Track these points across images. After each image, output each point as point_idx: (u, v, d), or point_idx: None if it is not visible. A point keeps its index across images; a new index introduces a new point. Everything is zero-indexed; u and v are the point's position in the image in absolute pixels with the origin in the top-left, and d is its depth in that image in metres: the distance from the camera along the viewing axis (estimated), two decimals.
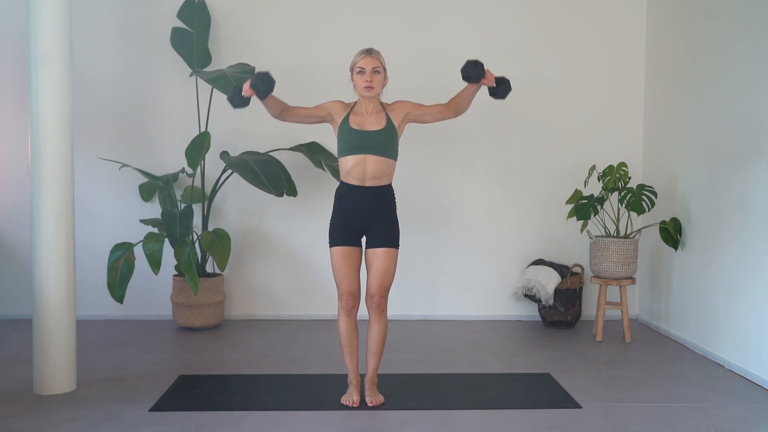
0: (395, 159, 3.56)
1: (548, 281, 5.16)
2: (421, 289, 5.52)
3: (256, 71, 3.39)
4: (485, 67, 3.53)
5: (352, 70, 3.51)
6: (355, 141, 3.46)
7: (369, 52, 3.49)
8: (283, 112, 3.57)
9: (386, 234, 3.52)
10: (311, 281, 5.50)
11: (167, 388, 3.80)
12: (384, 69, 3.51)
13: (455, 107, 3.63)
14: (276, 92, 5.39)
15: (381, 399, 3.59)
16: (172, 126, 5.40)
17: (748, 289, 4.07)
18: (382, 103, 3.58)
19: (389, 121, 3.52)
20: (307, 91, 5.41)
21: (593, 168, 5.10)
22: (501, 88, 3.59)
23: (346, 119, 3.51)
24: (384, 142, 3.48)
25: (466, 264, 5.53)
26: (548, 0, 5.47)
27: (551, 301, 5.18)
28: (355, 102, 3.58)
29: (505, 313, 5.56)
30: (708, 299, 4.50)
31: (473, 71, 3.50)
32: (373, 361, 3.60)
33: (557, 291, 5.20)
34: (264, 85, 3.37)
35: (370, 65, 3.46)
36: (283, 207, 5.44)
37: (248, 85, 3.39)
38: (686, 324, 4.79)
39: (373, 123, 3.50)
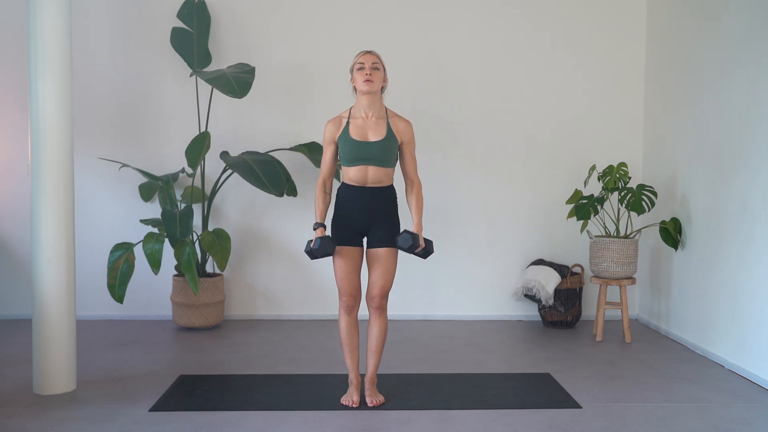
0: (394, 166, 3.58)
1: (548, 281, 5.16)
2: (421, 289, 5.52)
3: (318, 239, 3.44)
4: (418, 240, 3.48)
5: (351, 70, 3.51)
6: (356, 153, 3.45)
7: (369, 51, 3.52)
8: (328, 187, 3.60)
9: (387, 234, 3.52)
10: (311, 281, 5.50)
11: (167, 388, 3.80)
12: (383, 68, 3.52)
13: (407, 185, 3.63)
14: (277, 92, 5.43)
15: (381, 399, 3.59)
16: (172, 126, 5.41)
17: (748, 289, 4.07)
18: (387, 109, 3.57)
19: (390, 131, 3.49)
20: (307, 91, 5.42)
21: (593, 168, 5.10)
22: (425, 251, 3.54)
23: (345, 129, 3.49)
24: (385, 154, 3.47)
25: (466, 264, 5.53)
26: (548, 1, 5.47)
27: (551, 301, 5.18)
28: (351, 108, 3.55)
29: (505, 313, 5.56)
30: (708, 299, 4.50)
31: (406, 244, 3.47)
32: (373, 360, 3.60)
33: (557, 291, 5.20)
34: (324, 251, 3.43)
35: (370, 61, 3.47)
36: (283, 207, 5.44)
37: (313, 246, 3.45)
38: (686, 324, 4.79)
39: (374, 131, 3.48)
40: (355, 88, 3.52)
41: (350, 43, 5.22)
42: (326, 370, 4.16)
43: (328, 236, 3.48)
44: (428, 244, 3.57)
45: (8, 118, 5.34)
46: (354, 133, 3.46)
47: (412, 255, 3.75)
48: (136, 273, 4.80)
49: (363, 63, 3.46)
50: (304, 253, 3.50)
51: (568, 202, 5.07)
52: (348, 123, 3.50)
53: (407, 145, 3.55)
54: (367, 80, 3.43)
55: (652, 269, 5.33)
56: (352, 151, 3.45)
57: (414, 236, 3.47)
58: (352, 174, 3.49)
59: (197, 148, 4.85)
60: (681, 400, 3.69)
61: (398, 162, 3.62)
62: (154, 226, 5.05)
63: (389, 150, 3.47)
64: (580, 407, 3.56)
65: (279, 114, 5.44)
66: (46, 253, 3.65)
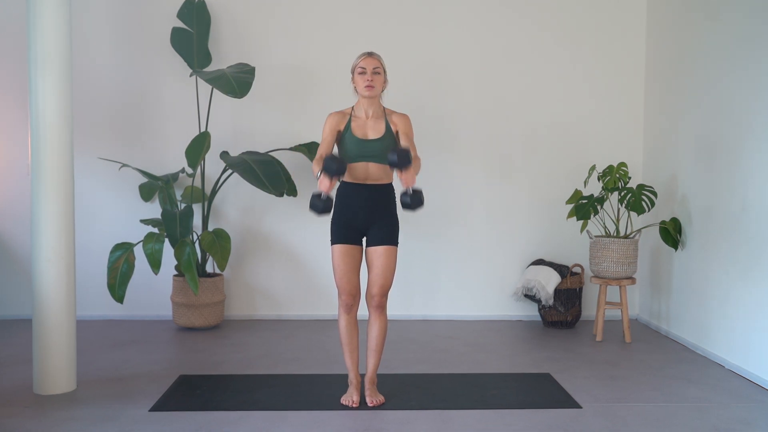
0: None
1: (548, 281, 5.16)
2: (421, 289, 5.52)
3: (326, 157, 3.30)
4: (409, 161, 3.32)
5: (353, 72, 3.54)
6: (357, 149, 3.49)
7: (370, 54, 3.55)
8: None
9: (386, 232, 3.54)
10: (311, 281, 5.50)
11: (167, 388, 3.80)
12: (384, 71, 3.55)
13: None
14: (277, 92, 5.43)
15: (381, 399, 3.59)
16: (172, 126, 5.40)
17: (748, 289, 4.07)
18: (384, 108, 3.61)
19: (388, 128, 3.54)
20: (307, 91, 5.42)
21: (593, 168, 5.10)
22: (415, 198, 3.35)
23: (348, 127, 3.53)
24: (384, 150, 3.50)
25: (466, 264, 5.53)
26: (548, 0, 5.47)
27: (551, 301, 5.17)
28: (353, 106, 3.60)
29: (505, 313, 5.56)
30: (708, 299, 4.50)
31: (392, 157, 3.31)
32: (373, 360, 3.61)
33: (557, 291, 5.20)
34: (337, 166, 3.27)
35: (371, 66, 3.50)
36: (283, 207, 5.44)
37: (321, 177, 3.29)
38: (686, 324, 4.79)
39: (373, 129, 3.53)
40: (356, 88, 3.56)
41: (350, 42, 5.23)
42: (326, 370, 4.16)
43: (330, 197, 3.35)
44: (419, 192, 3.35)
45: (8, 118, 5.34)
46: (356, 131, 3.52)
47: (411, 210, 3.41)
48: (136, 273, 4.80)
49: (364, 68, 3.50)
50: (311, 211, 3.32)
51: (568, 202, 5.07)
52: (350, 120, 3.54)
53: (404, 134, 3.57)
54: (369, 86, 3.49)
55: (652, 269, 5.33)
56: (354, 148, 3.49)
57: (401, 152, 3.28)
58: (352, 171, 3.51)
59: (197, 148, 4.85)
60: (681, 400, 3.69)
61: None
62: (154, 226, 5.05)
63: (389, 147, 3.52)
64: (580, 407, 3.56)
65: (279, 114, 5.44)
66: (46, 253, 3.65)
